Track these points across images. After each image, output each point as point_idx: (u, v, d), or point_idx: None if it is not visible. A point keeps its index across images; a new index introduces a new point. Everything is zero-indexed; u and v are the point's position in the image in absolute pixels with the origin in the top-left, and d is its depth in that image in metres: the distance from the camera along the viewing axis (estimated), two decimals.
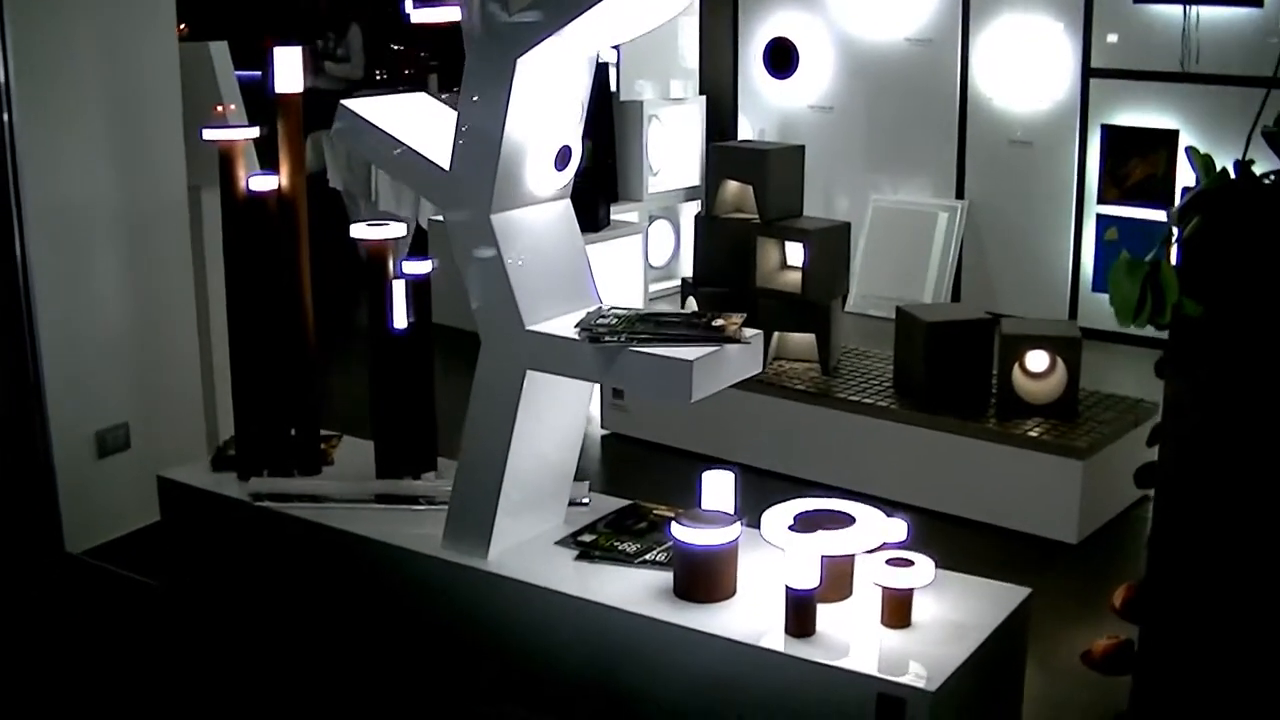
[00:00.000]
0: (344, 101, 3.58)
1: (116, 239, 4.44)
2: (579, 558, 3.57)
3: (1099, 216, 7.08)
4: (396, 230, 3.90)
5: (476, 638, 3.56)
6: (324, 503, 3.84)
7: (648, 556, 3.54)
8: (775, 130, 8.25)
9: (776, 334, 5.56)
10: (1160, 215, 6.57)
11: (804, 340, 5.56)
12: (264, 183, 3.89)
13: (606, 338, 3.28)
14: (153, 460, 4.42)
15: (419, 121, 3.61)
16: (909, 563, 3.21)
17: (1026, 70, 7.24)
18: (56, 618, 4.10)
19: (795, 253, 5.55)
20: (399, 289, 3.89)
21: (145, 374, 4.58)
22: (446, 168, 3.43)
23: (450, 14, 3.36)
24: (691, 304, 5.67)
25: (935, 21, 7.54)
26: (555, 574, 3.49)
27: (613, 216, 7.37)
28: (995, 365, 5.06)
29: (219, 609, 4.02)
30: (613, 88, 7.73)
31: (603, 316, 3.41)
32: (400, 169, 3.54)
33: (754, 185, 5.53)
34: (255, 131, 3.96)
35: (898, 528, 3.38)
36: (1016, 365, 4.95)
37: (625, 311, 3.46)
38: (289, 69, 3.86)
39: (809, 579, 3.12)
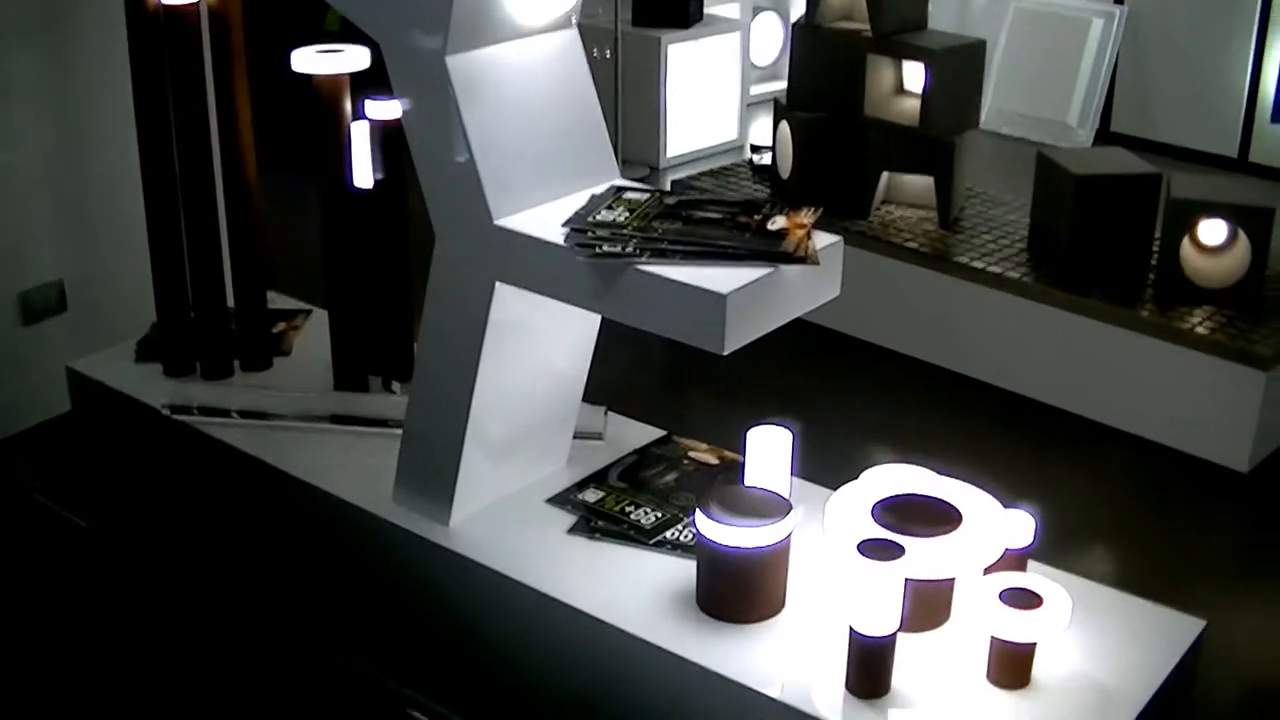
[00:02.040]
0: None
1: (35, 44, 3.33)
2: (574, 530, 2.49)
3: None
4: (357, 59, 2.74)
5: (430, 622, 2.53)
6: (258, 420, 2.80)
7: (668, 535, 2.45)
8: None
9: (886, 174, 4.35)
10: None
11: (920, 184, 4.33)
12: None
13: (604, 246, 2.14)
14: (100, 325, 3.40)
15: None
16: (1034, 599, 2.08)
17: None
18: None
19: (915, 75, 4.29)
20: (360, 135, 2.76)
21: (89, 224, 3.50)
22: None
23: None
24: (784, 135, 4.46)
25: None
26: (534, 557, 2.40)
27: (707, 10, 6.07)
28: (1159, 233, 3.83)
29: (137, 541, 3.01)
30: None
31: (609, 207, 2.26)
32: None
33: None
34: None
35: (1020, 527, 2.25)
36: (1186, 237, 3.71)
37: (644, 198, 2.30)
38: None
39: (884, 622, 2.02)
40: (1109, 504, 3.36)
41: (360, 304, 2.87)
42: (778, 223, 2.20)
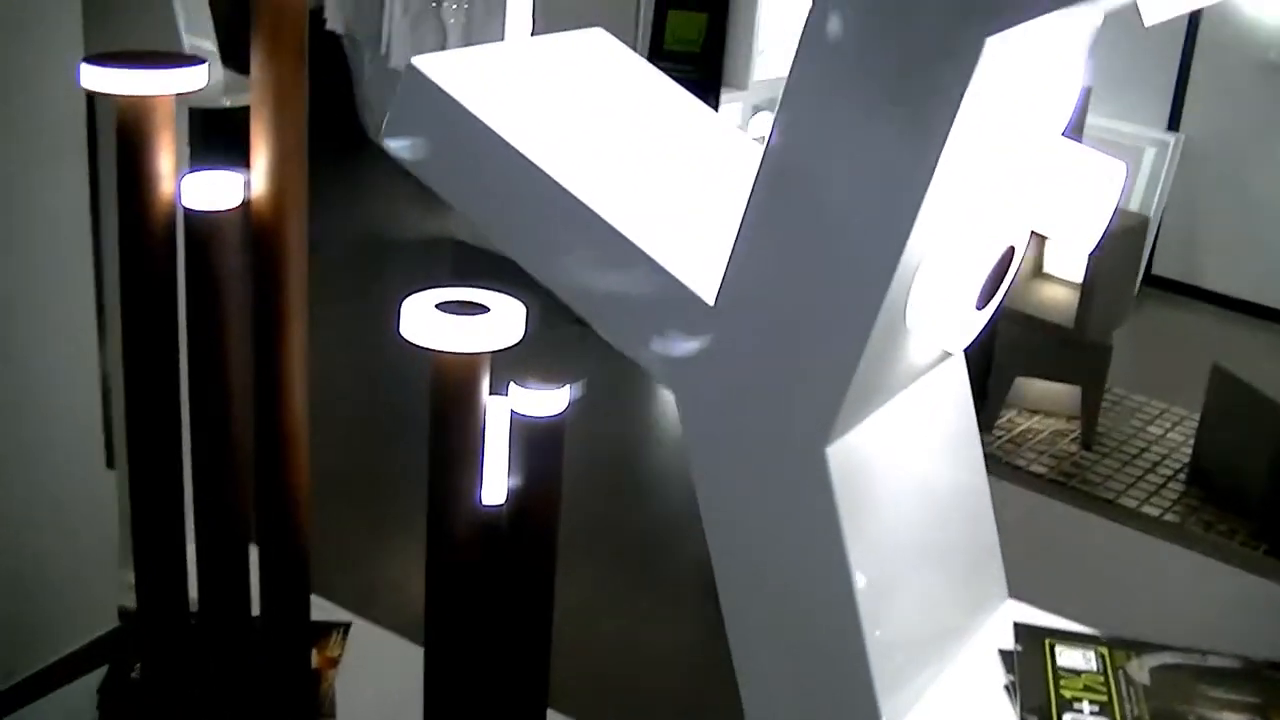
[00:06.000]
0: (417, 60, 1.33)
1: None
2: None
3: None
4: (504, 328, 1.66)
5: None
6: None
7: None
8: None
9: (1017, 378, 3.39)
10: None
11: (1056, 390, 3.39)
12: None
13: None
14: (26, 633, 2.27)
15: (591, 111, 1.38)
16: None
17: None
18: None
19: (1060, 257, 3.34)
20: (496, 430, 1.70)
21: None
22: (700, 291, 1.21)
23: None
24: None
25: None
26: None
27: None
28: None
29: None
30: None
31: (1069, 706, 1.24)
32: (537, 255, 1.30)
33: None
34: None
35: None
36: None
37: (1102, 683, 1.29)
38: None
39: None
40: None
41: (475, 679, 1.79)
42: None
